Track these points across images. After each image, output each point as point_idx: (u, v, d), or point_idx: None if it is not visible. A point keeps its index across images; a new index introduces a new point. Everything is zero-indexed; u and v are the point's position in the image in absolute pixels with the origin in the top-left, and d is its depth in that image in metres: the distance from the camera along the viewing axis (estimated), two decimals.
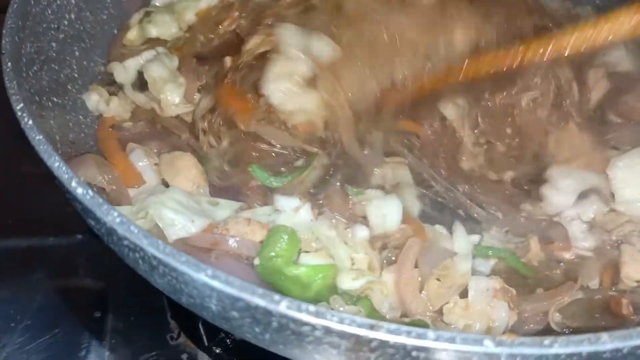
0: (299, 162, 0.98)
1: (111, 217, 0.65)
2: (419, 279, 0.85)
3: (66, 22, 1.04)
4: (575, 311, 0.86)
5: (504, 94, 1.04)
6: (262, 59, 1.00)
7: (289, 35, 1.00)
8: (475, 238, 0.94)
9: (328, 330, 0.58)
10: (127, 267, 0.74)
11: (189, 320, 0.97)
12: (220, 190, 0.97)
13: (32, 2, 0.94)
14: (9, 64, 0.82)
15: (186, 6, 1.17)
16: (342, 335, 0.58)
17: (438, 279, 0.85)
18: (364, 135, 1.00)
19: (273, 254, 0.82)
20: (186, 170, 0.96)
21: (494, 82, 1.01)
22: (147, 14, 1.17)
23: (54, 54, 1.00)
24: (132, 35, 1.16)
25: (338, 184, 0.96)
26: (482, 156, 1.05)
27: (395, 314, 0.85)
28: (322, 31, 1.00)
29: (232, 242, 0.85)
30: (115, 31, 1.18)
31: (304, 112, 0.98)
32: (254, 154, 0.98)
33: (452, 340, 0.56)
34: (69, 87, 1.04)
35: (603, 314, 0.86)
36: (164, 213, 0.86)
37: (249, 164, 0.96)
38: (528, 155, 1.04)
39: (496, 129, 1.05)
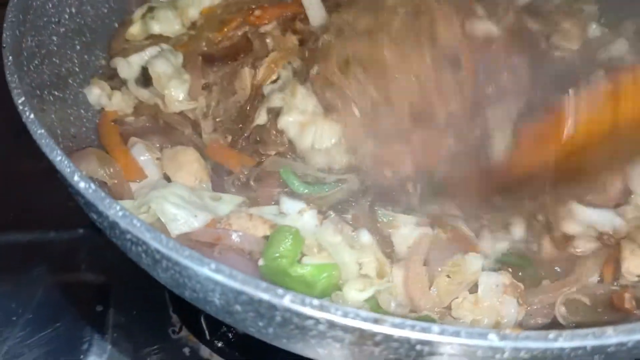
0: (331, 178, 0.95)
1: (113, 210, 0.65)
2: (427, 275, 0.84)
3: (67, 16, 1.04)
4: (578, 306, 0.86)
5: None
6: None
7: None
8: (503, 245, 0.92)
9: (332, 324, 0.57)
10: (128, 261, 0.74)
11: (191, 314, 0.97)
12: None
13: None
14: (10, 57, 0.82)
15: (189, 3, 1.16)
16: (346, 329, 0.57)
17: (448, 276, 0.85)
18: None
19: (277, 254, 0.81)
20: (188, 165, 0.95)
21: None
22: (150, 9, 1.16)
23: (55, 48, 1.00)
24: (135, 30, 1.15)
25: (368, 204, 0.93)
26: None
27: (404, 311, 0.84)
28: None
29: (235, 237, 0.84)
30: (116, 25, 1.17)
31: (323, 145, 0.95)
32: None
33: (456, 334, 0.56)
34: (70, 81, 1.04)
35: (606, 309, 0.86)
36: (166, 208, 0.86)
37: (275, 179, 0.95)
38: None
39: None
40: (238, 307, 0.62)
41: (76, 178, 0.68)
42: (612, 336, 0.57)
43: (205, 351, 0.95)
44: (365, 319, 0.56)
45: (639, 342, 0.58)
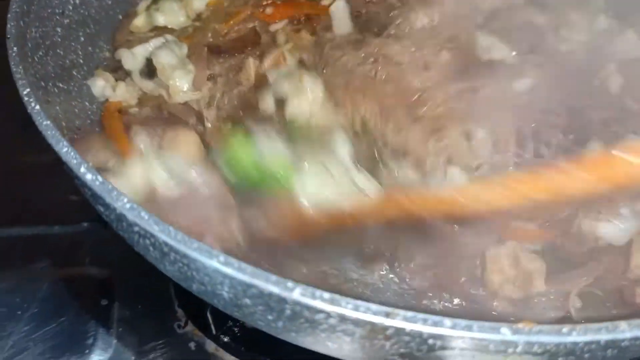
0: None
1: (121, 202, 0.64)
2: None
3: (71, 7, 1.03)
4: (589, 299, 0.85)
5: None
6: None
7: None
8: None
9: (343, 318, 0.57)
10: (133, 255, 0.73)
11: (197, 308, 0.96)
12: None
13: None
14: (15, 48, 0.81)
15: None
16: (357, 322, 0.57)
17: None
18: None
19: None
20: (185, 146, 0.95)
21: None
22: (155, 1, 1.15)
23: (59, 39, 0.99)
24: (139, 22, 1.14)
25: None
26: None
27: None
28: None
29: None
30: (120, 17, 1.17)
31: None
32: None
33: (469, 328, 0.55)
34: (74, 72, 1.03)
35: (615, 304, 0.85)
36: None
37: None
38: None
39: None
40: (247, 301, 0.61)
41: (83, 170, 0.67)
42: (626, 330, 0.56)
43: (211, 346, 0.94)
44: (376, 313, 0.55)
45: None
